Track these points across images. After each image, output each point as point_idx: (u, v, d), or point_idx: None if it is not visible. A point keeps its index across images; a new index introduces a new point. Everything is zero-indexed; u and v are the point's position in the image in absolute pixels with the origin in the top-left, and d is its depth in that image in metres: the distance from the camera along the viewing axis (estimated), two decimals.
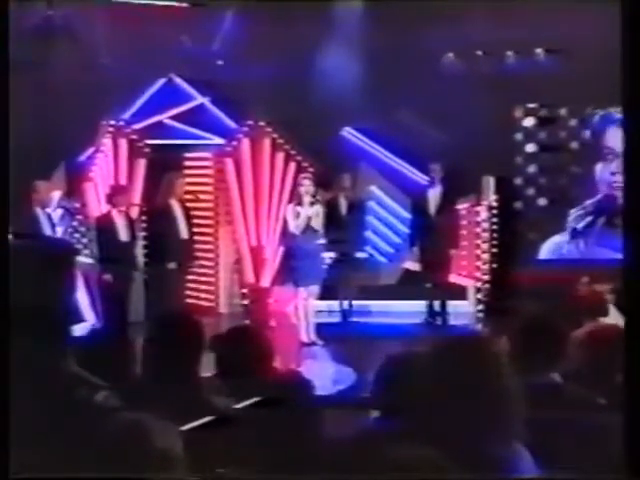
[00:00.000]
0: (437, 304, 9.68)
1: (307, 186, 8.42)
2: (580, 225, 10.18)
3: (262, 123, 10.15)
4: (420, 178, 10.18)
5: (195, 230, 9.78)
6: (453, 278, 9.90)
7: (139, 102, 10.42)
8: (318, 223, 8.47)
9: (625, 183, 2.57)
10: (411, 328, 9.27)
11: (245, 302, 10.17)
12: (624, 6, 2.53)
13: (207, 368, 3.20)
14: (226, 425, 2.55)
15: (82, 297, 8.95)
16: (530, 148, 10.37)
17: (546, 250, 10.34)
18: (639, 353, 2.34)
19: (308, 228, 8.40)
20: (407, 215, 10.23)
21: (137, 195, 10.01)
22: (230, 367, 3.19)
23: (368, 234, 10.37)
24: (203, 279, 10.32)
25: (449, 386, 2.06)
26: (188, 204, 9.83)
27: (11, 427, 2.21)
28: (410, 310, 9.87)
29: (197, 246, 9.88)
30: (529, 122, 10.34)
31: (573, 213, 10.23)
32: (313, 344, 8.47)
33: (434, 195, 9.57)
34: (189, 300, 9.96)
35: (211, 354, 3.23)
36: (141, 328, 7.50)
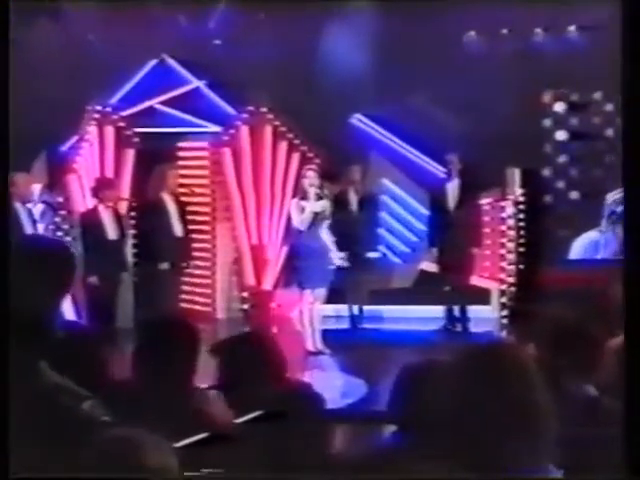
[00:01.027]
0: (457, 309, 9.69)
1: (313, 179, 8.41)
2: (615, 221, 10.14)
3: (263, 109, 10.16)
4: (438, 170, 10.18)
5: (190, 227, 9.80)
6: (475, 280, 9.89)
7: (128, 86, 10.43)
8: (325, 220, 8.47)
9: (625, 183, 2.67)
10: (428, 336, 9.26)
11: (245, 307, 10.19)
12: (624, 6, 2.72)
13: (204, 379, 3.21)
14: (225, 442, 2.55)
15: (66, 300, 8.97)
16: (560, 136, 10.32)
17: (578, 248, 10.30)
18: (639, 353, 2.42)
19: (314, 225, 8.39)
20: (424, 211, 10.24)
21: (126, 189, 10.04)
22: (229, 378, 3.19)
23: (380, 232, 10.38)
24: (198, 281, 10.34)
25: (471, 400, 2.06)
26: (182, 198, 9.85)
27: (11, 427, 2.27)
28: (427, 316, 9.88)
29: (192, 245, 9.90)
30: (559, 107, 10.29)
31: (607, 207, 10.18)
32: (320, 353, 8.47)
33: (453, 189, 9.56)
34: (183, 304, 9.99)
35: (208, 364, 3.23)
36: (130, 335, 7.54)
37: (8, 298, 2.30)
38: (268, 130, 10.21)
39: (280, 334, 8.94)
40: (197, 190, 10.31)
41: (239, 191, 10.27)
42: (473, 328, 9.61)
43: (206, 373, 3.24)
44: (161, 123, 10.33)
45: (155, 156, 10.00)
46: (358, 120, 10.54)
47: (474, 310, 9.75)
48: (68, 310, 9.05)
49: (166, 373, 2.98)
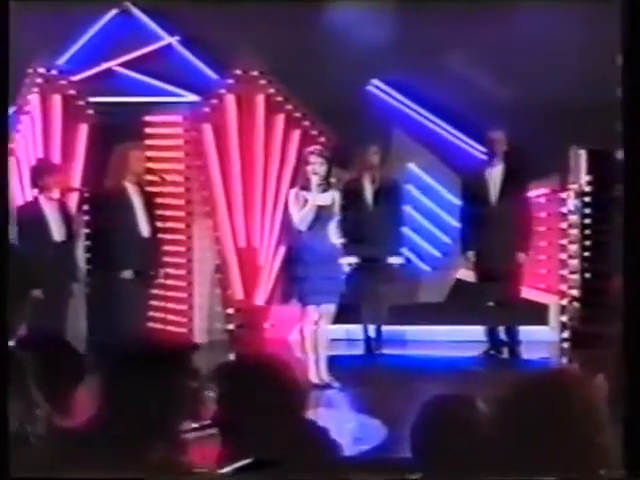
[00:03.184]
0: (503, 330, 9.72)
1: (317, 163, 8.41)
2: None
3: (254, 73, 10.17)
4: (478, 151, 10.19)
5: (159, 225, 9.83)
6: (526, 293, 9.91)
7: (80, 42, 10.47)
8: (333, 216, 8.50)
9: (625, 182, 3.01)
10: (465, 364, 9.30)
11: (230, 327, 10.22)
12: (624, 6, 3.01)
13: (180, 418, 3.22)
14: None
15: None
16: None
17: None
18: (639, 354, 2.63)
19: (318, 223, 8.41)
20: (458, 203, 10.25)
21: (76, 175, 10.08)
22: (211, 417, 3.22)
23: (404, 231, 10.38)
24: (171, 295, 10.37)
25: (522, 446, 2.08)
26: (149, 188, 9.88)
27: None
28: (464, 339, 9.90)
29: (162, 248, 9.93)
30: None
31: None
32: (326, 386, 8.49)
33: (497, 175, 9.59)
34: (151, 324, 10.01)
35: (184, 400, 3.25)
36: (82, 363, 7.54)
37: (6, 299, 2.33)
38: (260, 100, 10.23)
39: (276, 362, 8.94)
40: (169, 178, 10.33)
41: (223, 179, 10.29)
42: (524, 354, 9.64)
43: (181, 412, 3.26)
44: (123, 90, 10.36)
45: (115, 133, 10.02)
46: (376, 87, 10.56)
47: (525, 331, 9.78)
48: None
49: (123, 413, 3.00)
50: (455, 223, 10.35)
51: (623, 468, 2.36)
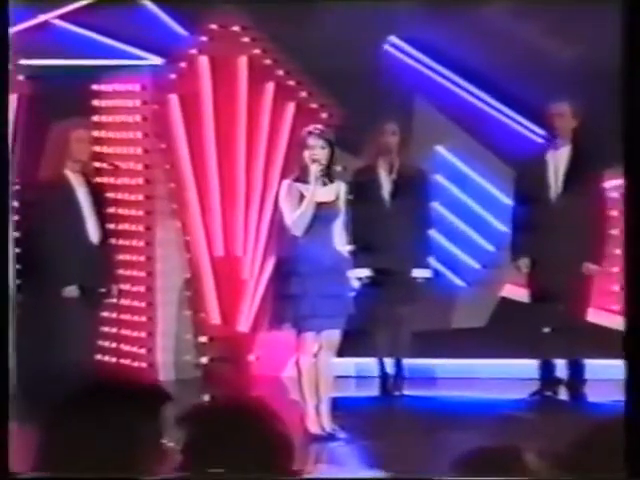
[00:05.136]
0: (562, 363, 9.70)
1: (317, 147, 8.40)
2: None
3: (235, 29, 10.23)
4: (532, 131, 10.21)
5: (111, 227, 9.84)
6: (594, 316, 9.92)
7: None
8: (338, 214, 8.49)
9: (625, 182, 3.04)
10: (512, 408, 9.30)
11: (204, 360, 10.26)
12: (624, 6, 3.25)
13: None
14: None
15: None
16: None
17: None
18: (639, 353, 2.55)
19: (319, 224, 8.41)
20: (506, 200, 10.26)
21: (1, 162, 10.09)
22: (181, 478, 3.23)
23: (431, 235, 10.39)
24: (127, 318, 10.40)
25: None
26: (97, 179, 9.91)
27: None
28: (511, 375, 9.93)
29: (116, 257, 9.94)
30: None
31: None
32: (330, 438, 8.49)
33: (559, 162, 9.60)
34: (101, 357, 10.05)
35: (144, 457, 3.27)
36: (13, 405, 7.55)
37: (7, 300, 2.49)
38: (243, 64, 10.28)
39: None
40: (123, 165, 10.36)
41: (194, 167, 10.33)
42: (591, 395, 9.65)
43: (137, 471, 3.28)
44: (64, 51, 10.38)
45: (54, 106, 10.03)
46: (394, 47, 10.57)
47: (593, 366, 9.77)
48: None
49: (63, 470, 3.04)
50: (500, 225, 10.40)
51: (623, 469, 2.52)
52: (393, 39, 10.57)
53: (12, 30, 10.33)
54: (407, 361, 10.10)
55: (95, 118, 10.30)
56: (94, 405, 3.17)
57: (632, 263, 2.80)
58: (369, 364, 10.09)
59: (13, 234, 9.72)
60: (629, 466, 2.59)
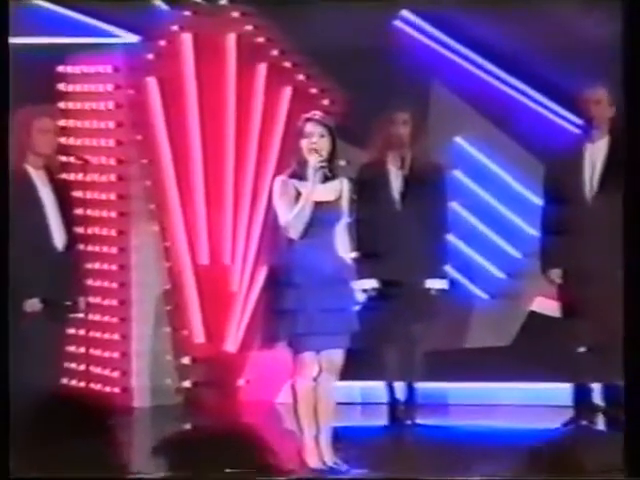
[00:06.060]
0: (598, 388, 9.73)
1: (316, 135, 8.42)
2: None
3: (223, 2, 10.37)
4: (564, 119, 10.27)
5: (79, 231, 9.81)
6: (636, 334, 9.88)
7: None
8: (340, 216, 8.50)
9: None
10: (542, 438, 9.22)
11: (186, 384, 10.30)
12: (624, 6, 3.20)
13: None
14: None
15: None
16: None
17: None
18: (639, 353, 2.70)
19: (319, 227, 8.43)
20: (535, 200, 10.33)
21: None
22: None
23: (448, 240, 10.42)
24: (97, 336, 10.42)
25: None
26: (63, 176, 9.93)
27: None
28: (540, 402, 10.04)
29: (84, 265, 9.90)
30: None
31: None
32: (331, 471, 8.49)
33: (596, 156, 9.65)
34: (69, 381, 10.09)
35: None
36: None
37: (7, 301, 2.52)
38: (231, 42, 10.32)
39: (253, 436, 8.94)
40: (93, 160, 10.38)
41: (175, 162, 10.35)
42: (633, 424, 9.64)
43: None
44: (24, 27, 10.35)
45: (12, 92, 9.98)
46: (406, 22, 10.63)
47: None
48: None
49: None
50: (529, 228, 10.45)
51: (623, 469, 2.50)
52: (405, 13, 10.64)
53: None
54: (420, 385, 10.13)
55: (61, 105, 10.40)
56: (58, 433, 3.31)
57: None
58: (376, 388, 10.16)
59: None
60: (629, 466, 2.53)
